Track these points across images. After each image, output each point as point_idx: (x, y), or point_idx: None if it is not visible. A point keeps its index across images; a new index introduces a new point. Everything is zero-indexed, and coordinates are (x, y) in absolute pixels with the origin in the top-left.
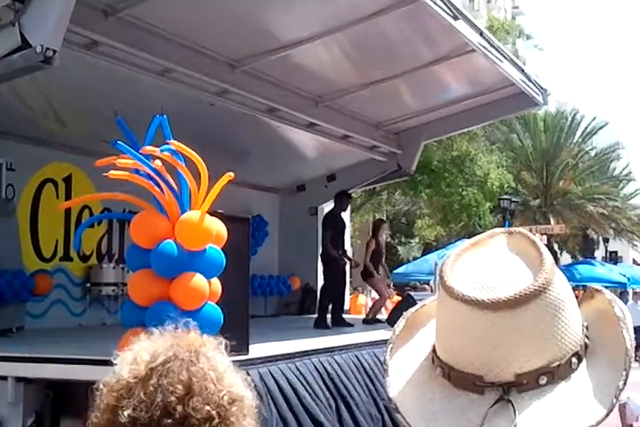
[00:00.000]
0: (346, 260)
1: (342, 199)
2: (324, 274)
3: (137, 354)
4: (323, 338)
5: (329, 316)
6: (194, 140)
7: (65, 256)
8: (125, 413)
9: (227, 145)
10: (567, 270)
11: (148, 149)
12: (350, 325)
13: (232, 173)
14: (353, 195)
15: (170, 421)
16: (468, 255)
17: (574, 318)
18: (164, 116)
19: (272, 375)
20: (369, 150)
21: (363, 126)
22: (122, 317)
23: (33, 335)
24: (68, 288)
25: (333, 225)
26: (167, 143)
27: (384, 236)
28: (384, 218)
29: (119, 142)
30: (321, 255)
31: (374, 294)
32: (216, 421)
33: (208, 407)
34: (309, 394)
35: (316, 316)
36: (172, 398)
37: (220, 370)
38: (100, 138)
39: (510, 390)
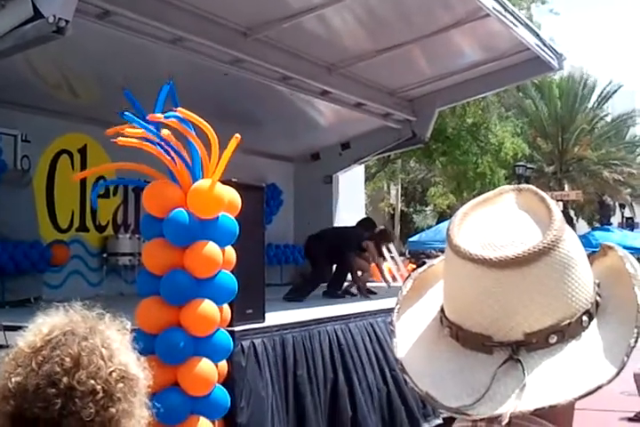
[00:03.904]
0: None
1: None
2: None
3: (39, 327)
4: (338, 306)
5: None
6: (207, 110)
7: (81, 227)
8: (14, 379)
9: (240, 114)
10: (584, 237)
11: (153, 116)
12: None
13: (238, 135)
14: (368, 162)
15: (53, 390)
16: (476, 214)
17: (585, 275)
18: (171, 83)
19: (284, 344)
20: (383, 118)
21: (376, 94)
22: (138, 286)
23: (50, 306)
24: (85, 259)
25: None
26: (174, 111)
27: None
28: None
29: (126, 112)
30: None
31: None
32: (100, 395)
33: (93, 382)
34: (313, 366)
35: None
36: (58, 369)
37: (113, 348)
38: (114, 108)
39: (519, 350)
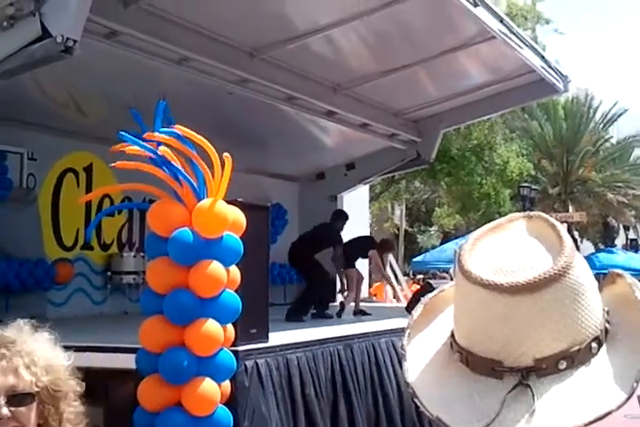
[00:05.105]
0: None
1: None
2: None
3: None
4: (341, 326)
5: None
6: (212, 130)
7: (86, 245)
8: None
9: (246, 134)
10: (588, 259)
11: (148, 134)
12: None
13: (227, 154)
14: (372, 183)
15: None
16: (487, 240)
17: (594, 302)
18: (165, 102)
19: (287, 364)
20: (388, 138)
21: (382, 114)
22: (141, 304)
23: (54, 324)
24: (89, 277)
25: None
26: (171, 128)
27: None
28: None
29: (122, 133)
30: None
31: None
32: None
33: None
34: (314, 387)
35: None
36: None
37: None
38: (120, 127)
39: (529, 375)
